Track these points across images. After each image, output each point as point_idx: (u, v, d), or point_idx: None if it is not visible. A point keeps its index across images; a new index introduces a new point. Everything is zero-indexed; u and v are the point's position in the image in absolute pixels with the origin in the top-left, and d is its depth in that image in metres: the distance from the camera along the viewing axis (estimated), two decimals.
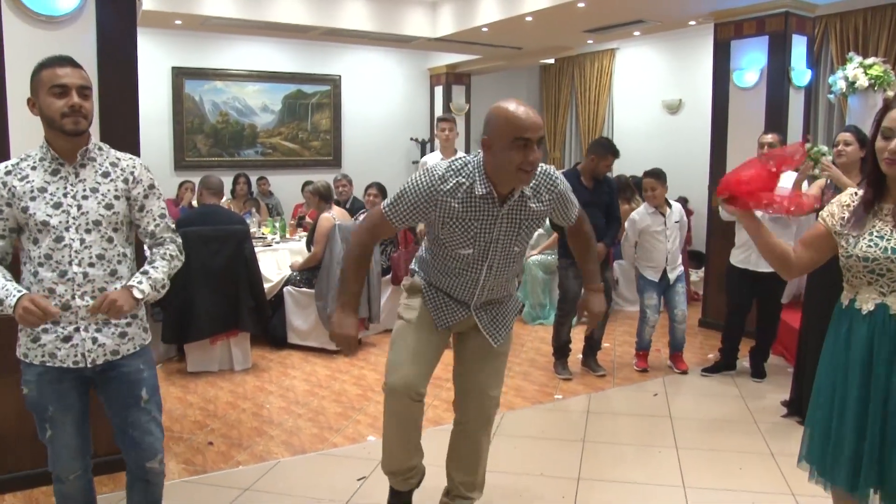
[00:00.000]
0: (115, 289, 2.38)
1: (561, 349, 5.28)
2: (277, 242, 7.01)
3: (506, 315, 2.89)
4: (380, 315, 6.19)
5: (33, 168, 2.36)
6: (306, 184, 9.18)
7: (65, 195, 2.35)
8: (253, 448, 3.97)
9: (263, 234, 7.41)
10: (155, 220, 2.53)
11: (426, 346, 2.80)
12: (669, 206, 5.27)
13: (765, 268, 4.78)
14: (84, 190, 2.38)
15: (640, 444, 4.04)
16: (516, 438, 4.09)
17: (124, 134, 3.49)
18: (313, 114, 10.84)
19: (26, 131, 3.24)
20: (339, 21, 8.56)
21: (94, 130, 3.34)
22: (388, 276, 6.52)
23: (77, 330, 2.36)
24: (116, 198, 2.42)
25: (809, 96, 6.62)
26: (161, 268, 2.48)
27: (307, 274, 6.03)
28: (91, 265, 2.36)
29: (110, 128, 3.44)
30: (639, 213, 5.32)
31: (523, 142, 2.41)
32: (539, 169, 2.61)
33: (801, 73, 6.20)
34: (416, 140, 11.41)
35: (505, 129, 2.45)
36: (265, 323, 5.64)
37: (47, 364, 2.36)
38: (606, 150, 5.05)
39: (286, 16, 8.23)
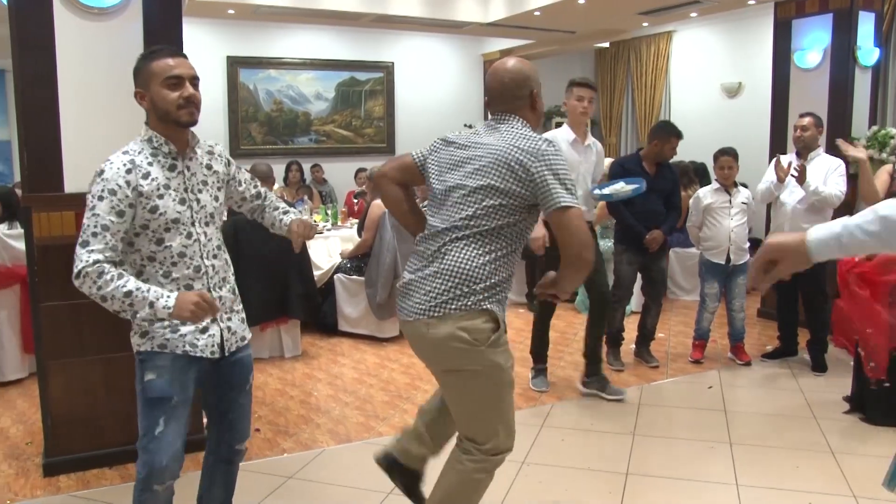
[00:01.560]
0: (230, 277, 2.50)
1: (613, 337, 5.17)
2: (329, 230, 7.03)
3: None
4: None
5: (150, 164, 2.30)
6: (360, 171, 9.22)
7: (186, 190, 2.36)
8: (299, 436, 3.99)
9: (315, 221, 7.45)
10: (251, 182, 2.66)
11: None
12: (737, 185, 5.12)
13: None
14: (197, 184, 2.40)
15: (692, 438, 3.93)
16: (564, 430, 4.02)
17: None
18: (366, 101, 10.86)
19: (76, 121, 3.32)
20: (391, 7, 8.53)
21: (141, 120, 3.40)
22: None
23: (213, 321, 2.40)
24: (219, 189, 2.50)
25: (877, 76, 6.32)
26: (286, 208, 2.71)
27: (357, 262, 6.03)
28: (215, 256, 2.43)
29: None
30: (702, 191, 5.20)
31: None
32: None
33: (868, 51, 5.93)
34: (471, 126, 11.33)
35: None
36: (315, 310, 5.67)
37: (189, 353, 2.35)
38: (669, 132, 4.92)
39: (337, 3, 8.25)
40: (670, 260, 7.15)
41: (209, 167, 2.46)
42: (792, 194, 4.90)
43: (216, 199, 2.46)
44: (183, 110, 2.29)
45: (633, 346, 5.34)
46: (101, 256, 2.19)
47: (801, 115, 5.02)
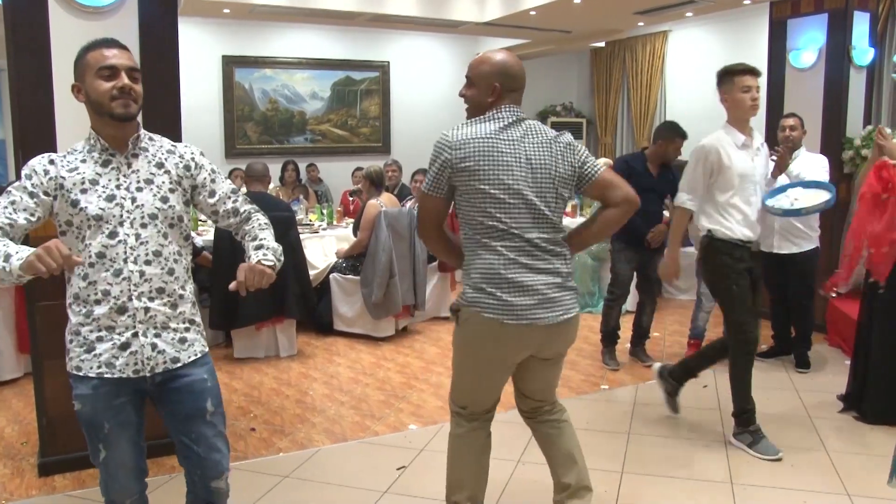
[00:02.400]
0: (175, 289, 2.21)
1: (609, 335, 5.19)
2: (324, 229, 7.03)
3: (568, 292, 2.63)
4: (425, 302, 6.17)
5: (83, 161, 2.17)
6: (357, 170, 9.21)
7: (118, 187, 2.16)
8: (294, 435, 3.99)
9: (311, 220, 7.44)
10: (230, 197, 2.36)
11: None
12: None
13: (788, 250, 4.84)
14: (138, 181, 2.19)
15: (688, 437, 3.94)
16: None
17: (166, 123, 3.50)
18: (362, 100, 10.85)
19: (73, 122, 3.31)
20: (386, 7, 8.53)
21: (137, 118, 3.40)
22: (435, 264, 6.49)
23: (135, 335, 2.15)
24: (171, 190, 2.23)
25: (872, 76, 6.34)
26: (269, 237, 2.35)
27: (353, 261, 6.03)
28: (147, 262, 2.16)
29: (152, 117, 3.45)
30: None
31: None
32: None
33: (862, 51, 5.95)
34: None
35: None
36: (311, 310, 5.67)
37: (105, 376, 2.14)
38: (674, 132, 4.94)
39: (333, 2, 8.25)
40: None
41: (160, 165, 2.25)
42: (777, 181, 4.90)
43: (163, 199, 2.21)
44: (116, 101, 2.12)
45: (629, 345, 5.35)
46: None
47: (787, 116, 5.02)
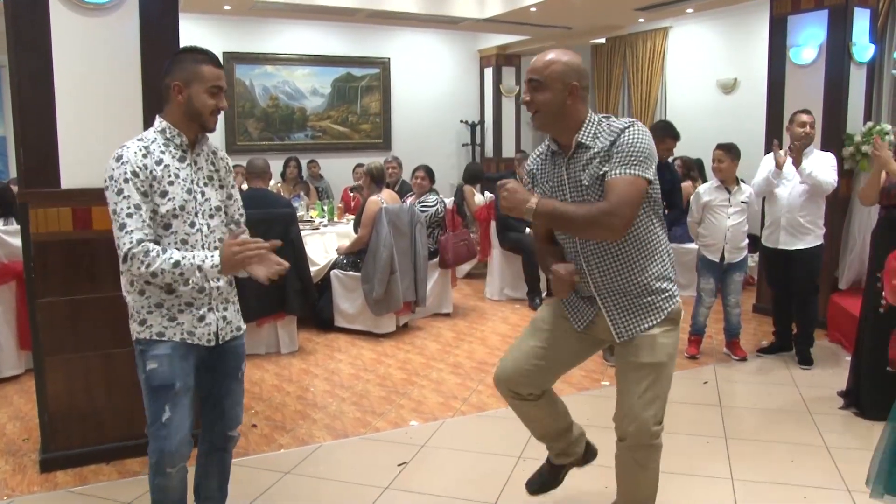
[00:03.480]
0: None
1: None
2: (325, 226, 7.03)
3: (639, 307, 2.48)
4: (426, 299, 6.17)
5: (163, 153, 2.40)
6: (357, 166, 9.22)
7: (193, 181, 2.45)
8: (296, 431, 4.00)
9: (311, 217, 7.44)
10: (240, 209, 2.67)
11: (534, 343, 2.66)
12: (739, 184, 5.09)
13: (793, 245, 4.86)
14: (203, 178, 2.49)
15: (688, 433, 3.94)
16: None
17: None
18: (363, 97, 10.86)
19: (73, 118, 3.32)
20: (386, 3, 8.53)
21: (138, 117, 3.41)
22: (435, 260, 6.49)
23: (210, 310, 2.47)
24: (222, 187, 2.56)
25: (872, 73, 6.33)
26: None
27: (354, 257, 6.04)
28: (216, 248, 2.44)
29: (154, 112, 3.45)
30: (703, 188, 5.16)
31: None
32: (615, 123, 2.41)
33: (863, 48, 5.94)
34: (467, 122, 11.33)
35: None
36: (311, 306, 5.67)
37: (187, 341, 2.43)
38: (665, 132, 4.95)
39: None
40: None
41: (214, 164, 2.56)
42: (786, 187, 4.90)
43: (220, 194, 2.55)
44: (213, 117, 2.44)
45: None
46: (141, 235, 2.29)
47: (802, 112, 4.95)
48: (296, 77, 10.39)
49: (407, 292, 5.87)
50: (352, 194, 8.46)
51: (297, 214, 6.20)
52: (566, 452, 2.95)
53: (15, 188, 4.91)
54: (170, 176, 2.38)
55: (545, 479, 3.01)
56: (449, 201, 7.19)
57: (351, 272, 5.97)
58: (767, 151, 6.31)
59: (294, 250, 5.37)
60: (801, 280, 4.96)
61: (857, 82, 5.99)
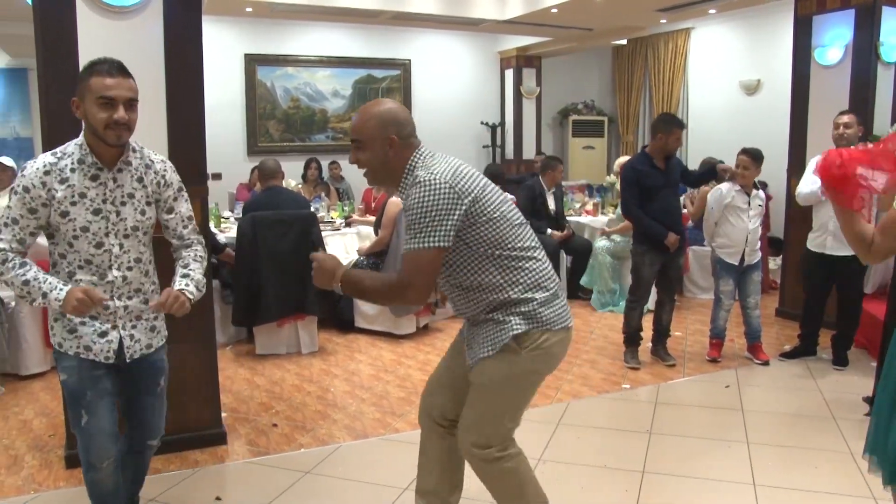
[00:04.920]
0: (148, 288, 2.53)
1: (631, 337, 5.17)
2: (346, 227, 7.06)
3: (477, 336, 2.39)
4: (446, 300, 6.17)
5: (72, 170, 2.34)
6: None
7: (104, 201, 2.37)
8: (316, 431, 4.01)
9: (332, 218, 7.47)
10: (183, 221, 2.59)
11: (448, 359, 2.68)
12: (756, 188, 5.06)
13: (841, 252, 4.73)
14: (122, 196, 2.41)
15: (710, 437, 3.92)
16: (580, 428, 4.02)
17: (190, 121, 3.54)
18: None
19: None
20: (408, 5, 8.55)
21: (161, 119, 3.45)
22: None
23: (114, 328, 2.45)
24: (148, 204, 2.48)
25: None
26: (198, 269, 2.58)
27: (374, 258, 6.05)
28: (129, 269, 2.44)
29: (177, 116, 3.50)
30: (725, 188, 5.06)
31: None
32: None
33: (891, 47, 5.86)
34: (487, 124, 11.33)
35: None
36: (332, 307, 5.70)
37: (81, 356, 2.42)
38: (672, 123, 4.93)
39: (355, 0, 8.27)
40: (689, 259, 7.14)
41: (140, 180, 2.45)
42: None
43: (142, 213, 2.46)
44: (110, 131, 2.29)
45: (650, 344, 5.33)
46: (6, 246, 2.31)
47: (842, 113, 4.92)
48: (317, 79, 10.44)
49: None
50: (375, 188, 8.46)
51: (318, 216, 6.23)
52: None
53: None
54: (73, 196, 2.32)
55: None
56: None
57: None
58: (791, 154, 6.28)
59: (315, 251, 5.39)
60: (848, 285, 4.90)
61: (885, 83, 5.92)
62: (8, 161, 6.93)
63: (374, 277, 2.47)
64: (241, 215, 5.83)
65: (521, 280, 2.33)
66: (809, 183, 4.82)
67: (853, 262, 4.71)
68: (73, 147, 2.39)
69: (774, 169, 7.31)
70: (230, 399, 4.47)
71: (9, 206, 2.31)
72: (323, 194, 8.42)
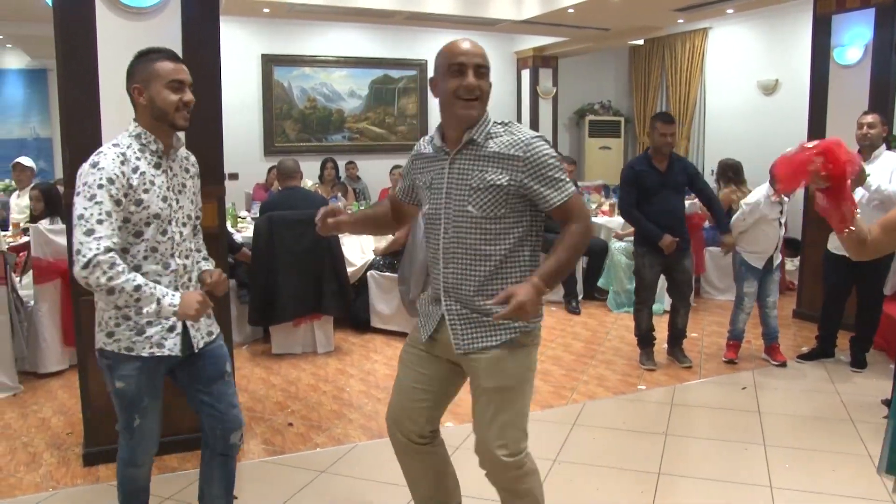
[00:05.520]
0: (195, 275, 2.54)
1: (644, 338, 5.14)
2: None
3: (481, 322, 2.29)
4: None
5: (138, 159, 2.34)
6: (395, 168, 9.26)
7: (168, 188, 2.41)
8: (331, 431, 4.03)
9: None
10: (198, 212, 2.62)
11: (411, 377, 2.47)
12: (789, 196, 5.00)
13: None
14: (177, 185, 2.46)
15: (726, 439, 3.89)
16: (596, 429, 4.01)
17: (208, 121, 3.56)
18: (400, 98, 10.90)
19: (118, 120, 3.36)
20: (424, 5, 8.56)
21: None
22: None
23: (207, 316, 2.48)
24: (195, 193, 2.55)
25: None
26: (206, 254, 2.69)
27: (390, 258, 6.06)
28: (187, 257, 2.47)
29: (194, 116, 3.48)
30: (762, 198, 4.91)
31: (458, 66, 2.22)
32: (521, 132, 2.27)
33: None
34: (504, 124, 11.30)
35: (441, 60, 2.28)
36: (347, 306, 5.71)
37: (156, 354, 2.38)
38: (654, 118, 4.96)
39: (371, 1, 8.29)
40: (705, 260, 7.10)
41: (187, 171, 2.53)
42: (856, 193, 4.79)
43: (192, 202, 2.53)
44: (179, 113, 2.36)
45: (665, 345, 5.30)
46: (110, 243, 2.20)
47: (866, 113, 4.88)
48: (333, 79, 10.47)
49: None
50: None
51: None
52: None
53: (61, 188, 5.02)
54: (145, 184, 2.32)
55: None
56: None
57: (387, 273, 6.00)
58: None
59: (331, 251, 5.42)
60: (869, 287, 4.86)
61: None
62: (27, 161, 7.03)
63: (564, 248, 2.22)
64: (257, 215, 5.86)
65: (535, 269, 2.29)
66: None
67: (876, 264, 4.66)
68: (127, 139, 2.37)
69: None
70: (246, 398, 4.49)
71: (98, 202, 2.21)
72: (340, 194, 8.44)
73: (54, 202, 5.38)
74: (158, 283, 2.34)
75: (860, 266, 4.73)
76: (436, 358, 2.44)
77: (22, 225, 5.94)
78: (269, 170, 8.87)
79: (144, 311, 2.26)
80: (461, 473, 3.12)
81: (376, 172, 10.15)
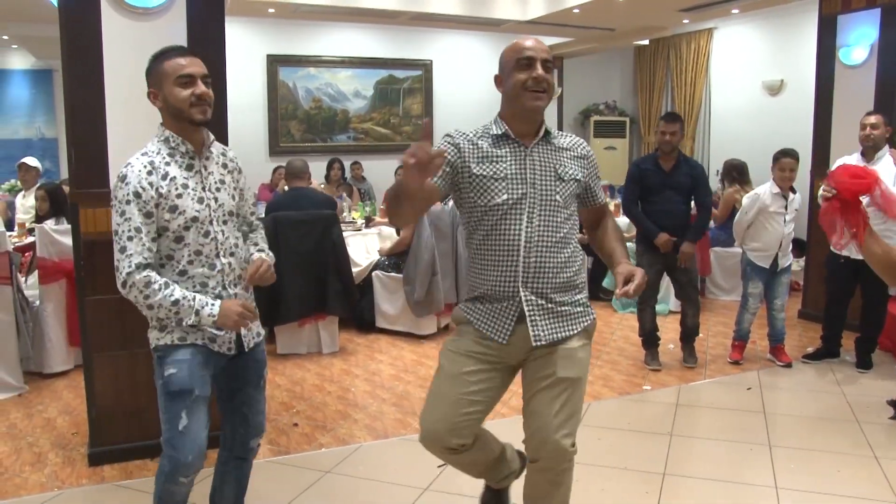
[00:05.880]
0: (244, 275, 2.50)
1: (648, 338, 5.14)
2: (367, 227, 7.07)
3: (562, 314, 2.34)
4: None
5: (168, 164, 2.33)
6: (399, 168, 9.26)
7: (204, 189, 2.38)
8: (336, 431, 4.03)
9: (353, 218, 7.49)
10: (251, 207, 2.63)
11: (461, 387, 2.34)
12: (794, 192, 4.98)
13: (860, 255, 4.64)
14: (215, 182, 2.42)
15: (731, 440, 3.89)
16: (601, 430, 4.00)
17: (213, 121, 3.51)
18: (405, 99, 10.90)
19: (123, 121, 3.39)
20: (429, 5, 8.56)
21: None
22: None
23: (248, 327, 2.45)
24: (236, 189, 2.51)
25: None
26: (266, 247, 2.64)
27: (395, 259, 6.07)
28: (232, 255, 2.45)
29: None
30: (763, 191, 4.96)
31: (526, 61, 2.31)
32: (570, 134, 2.50)
33: None
34: None
35: (509, 56, 2.37)
36: (352, 307, 5.71)
37: (209, 346, 2.39)
38: (660, 118, 4.98)
39: (376, 1, 8.29)
40: (710, 260, 7.08)
41: (225, 166, 2.50)
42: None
43: (233, 197, 2.49)
44: (195, 108, 2.31)
45: (671, 346, 5.29)
46: (141, 259, 2.24)
47: (869, 114, 4.88)
48: (338, 79, 10.48)
49: (448, 294, 5.88)
50: None
51: (340, 216, 6.25)
52: (506, 476, 2.70)
53: (66, 188, 5.03)
54: (177, 189, 2.31)
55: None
56: None
57: (393, 273, 6.00)
58: (815, 155, 6.21)
59: (336, 251, 5.42)
60: (873, 288, 4.84)
61: None
62: (33, 161, 7.05)
63: (619, 239, 2.54)
64: (262, 216, 5.86)
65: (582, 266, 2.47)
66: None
67: None
68: (156, 144, 2.36)
69: (798, 171, 7.24)
70: None
71: (127, 219, 2.24)
72: (345, 194, 8.44)
73: (59, 202, 5.39)
74: (206, 284, 2.35)
75: (864, 267, 4.73)
76: (496, 363, 2.37)
77: (27, 225, 5.96)
78: (275, 170, 8.87)
79: (185, 322, 2.28)
80: (457, 478, 3.12)
81: (381, 173, 10.15)
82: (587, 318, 2.41)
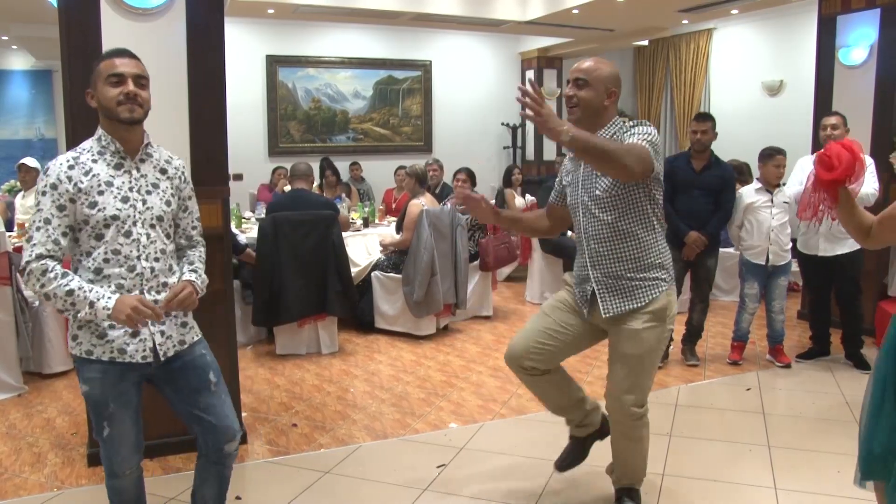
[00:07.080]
0: (173, 282, 2.42)
1: (690, 333, 5.19)
2: (367, 228, 7.08)
3: (625, 289, 2.77)
4: (466, 301, 6.18)
5: (94, 161, 2.33)
6: (399, 168, 9.28)
7: (130, 189, 2.35)
8: (335, 431, 4.03)
9: (353, 219, 7.49)
10: (193, 222, 2.58)
11: (544, 323, 2.94)
12: (780, 185, 5.00)
13: (832, 252, 4.84)
14: (147, 185, 2.39)
15: (730, 440, 3.89)
16: None
17: (213, 122, 3.57)
18: (404, 99, 10.91)
19: None
20: (428, 6, 8.56)
21: (183, 119, 3.48)
22: (476, 263, 6.49)
23: (145, 324, 2.34)
24: (172, 195, 2.46)
25: None
26: (202, 269, 2.55)
27: (395, 259, 6.07)
28: (156, 260, 2.38)
29: (199, 116, 3.53)
30: (745, 190, 5.07)
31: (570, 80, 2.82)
32: (632, 127, 2.78)
33: None
34: (508, 125, 11.32)
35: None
36: (352, 307, 5.71)
37: (116, 360, 2.33)
38: (694, 117, 5.07)
39: (375, 1, 8.30)
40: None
41: (164, 171, 2.46)
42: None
43: (167, 203, 2.43)
44: (122, 106, 2.30)
45: (672, 346, 5.29)
46: (42, 250, 2.23)
47: (829, 115, 4.94)
48: (338, 80, 10.49)
49: (447, 295, 5.88)
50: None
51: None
52: (583, 423, 3.14)
53: None
54: (99, 185, 2.30)
55: (572, 454, 3.21)
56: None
57: (392, 274, 6.00)
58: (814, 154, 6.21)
59: (335, 252, 5.42)
60: (846, 284, 4.93)
61: None
62: (32, 162, 7.05)
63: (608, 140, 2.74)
64: (262, 216, 5.86)
65: (657, 249, 2.79)
66: (796, 183, 4.91)
67: (848, 261, 4.82)
68: (90, 142, 2.38)
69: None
70: (250, 399, 4.50)
71: (39, 209, 2.26)
72: (343, 195, 8.44)
73: None
74: (123, 286, 2.31)
75: (832, 265, 4.86)
76: (583, 318, 2.90)
77: (27, 226, 5.95)
78: (274, 170, 8.87)
79: (80, 314, 2.24)
80: (463, 473, 3.14)
81: (380, 173, 10.17)
82: (653, 293, 2.76)
